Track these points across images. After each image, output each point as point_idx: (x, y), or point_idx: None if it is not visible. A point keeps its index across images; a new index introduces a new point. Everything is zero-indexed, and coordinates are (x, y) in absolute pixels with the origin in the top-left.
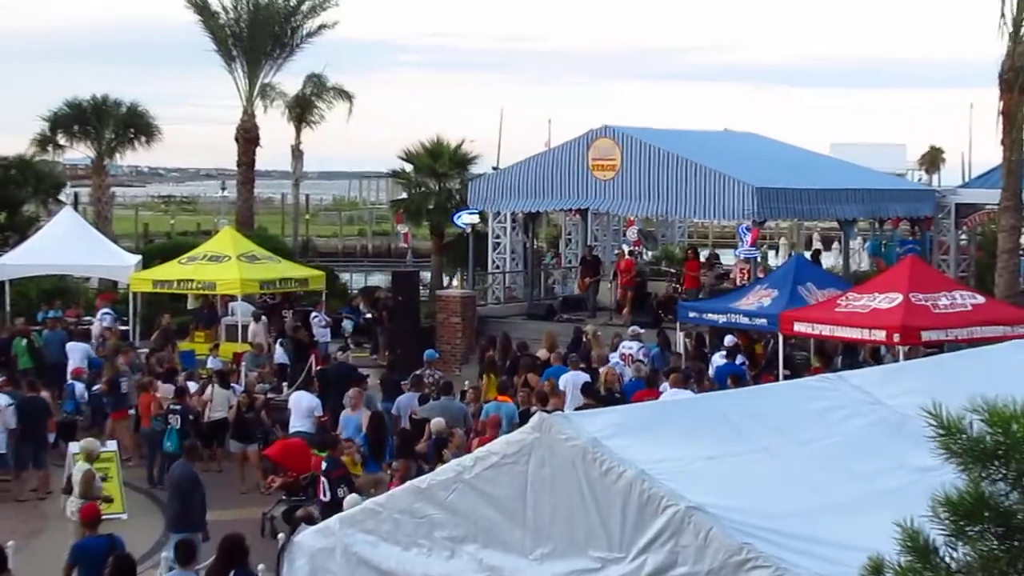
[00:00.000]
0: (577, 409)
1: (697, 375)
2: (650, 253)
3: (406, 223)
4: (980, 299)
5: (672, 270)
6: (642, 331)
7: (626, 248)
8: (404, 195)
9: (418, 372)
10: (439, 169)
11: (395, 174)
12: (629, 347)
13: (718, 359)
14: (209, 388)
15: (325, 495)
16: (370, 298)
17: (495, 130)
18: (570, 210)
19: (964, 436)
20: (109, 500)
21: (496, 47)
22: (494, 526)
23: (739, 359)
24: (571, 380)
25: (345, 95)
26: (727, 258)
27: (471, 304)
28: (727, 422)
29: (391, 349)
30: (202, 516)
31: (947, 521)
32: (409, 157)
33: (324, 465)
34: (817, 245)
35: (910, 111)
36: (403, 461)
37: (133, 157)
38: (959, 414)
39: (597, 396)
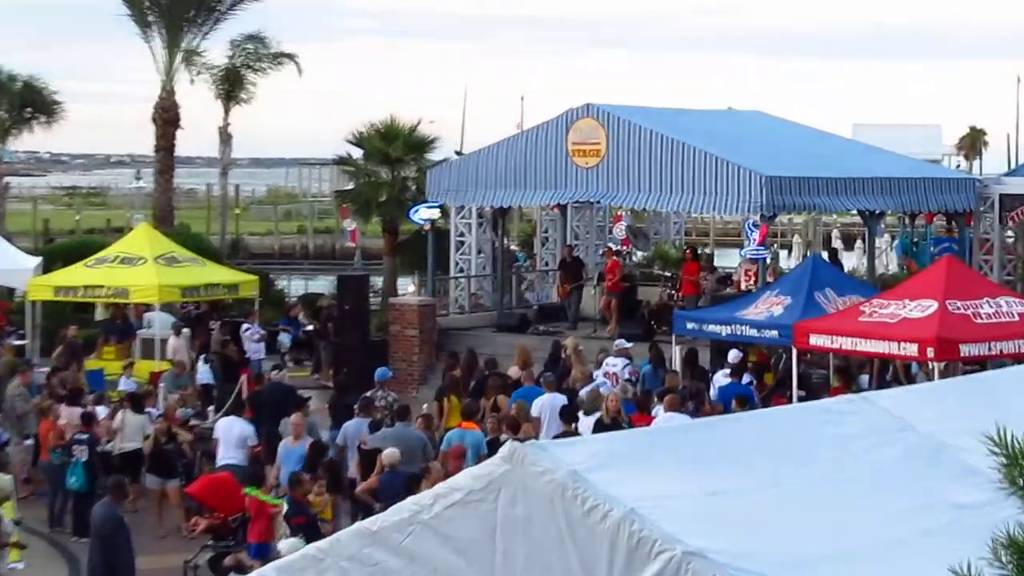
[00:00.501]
0: (555, 437)
1: (696, 397)
2: (641, 253)
3: (353, 218)
4: None
5: (667, 273)
6: (630, 345)
7: (613, 247)
8: (351, 185)
9: (368, 394)
10: (393, 154)
11: (341, 161)
12: (613, 364)
13: (721, 378)
14: (121, 414)
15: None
16: (312, 307)
17: (459, 109)
18: (547, 204)
19: None
20: (22, 547)
21: (461, 11)
22: (458, 574)
23: (746, 378)
24: (547, 404)
25: (287, 58)
26: (730, 259)
27: (430, 314)
28: (732, 452)
29: (336, 367)
30: (130, 570)
31: (1011, 564)
32: (357, 140)
33: (284, 509)
34: (837, 244)
35: (947, 86)
36: (329, 497)
37: (31, 141)
38: None
39: (574, 421)
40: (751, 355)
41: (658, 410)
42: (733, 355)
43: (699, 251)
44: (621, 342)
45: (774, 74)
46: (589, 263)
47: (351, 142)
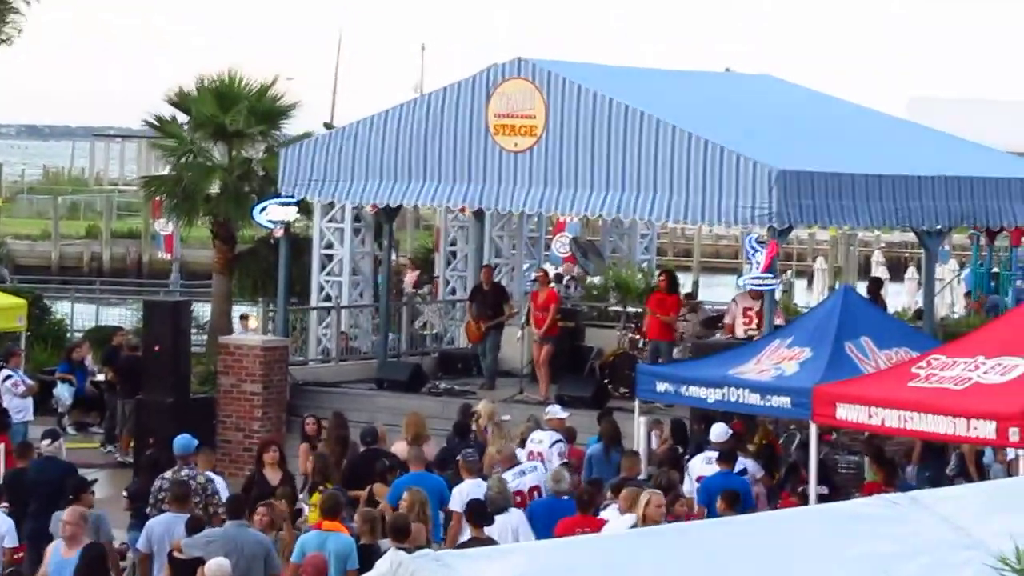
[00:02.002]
0: (461, 546)
1: (668, 491)
2: (591, 278)
3: (170, 218)
4: None
5: (628, 310)
6: (565, 415)
7: (551, 270)
8: (168, 169)
9: (168, 475)
10: (229, 125)
11: (154, 128)
12: (539, 441)
13: (700, 465)
14: None
15: None
16: (105, 347)
17: (329, 63)
18: (456, 205)
19: None
20: None
21: None
22: None
23: (740, 465)
24: (459, 496)
25: None
26: (723, 291)
27: (280, 361)
28: (715, 575)
29: (139, 437)
30: None
31: None
32: (179, 102)
33: None
34: (880, 272)
35: None
36: None
37: None
38: None
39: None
40: (753, 433)
41: (611, 510)
42: (718, 432)
43: (676, 278)
44: (554, 409)
45: (794, 23)
46: (515, 292)
47: (172, 103)
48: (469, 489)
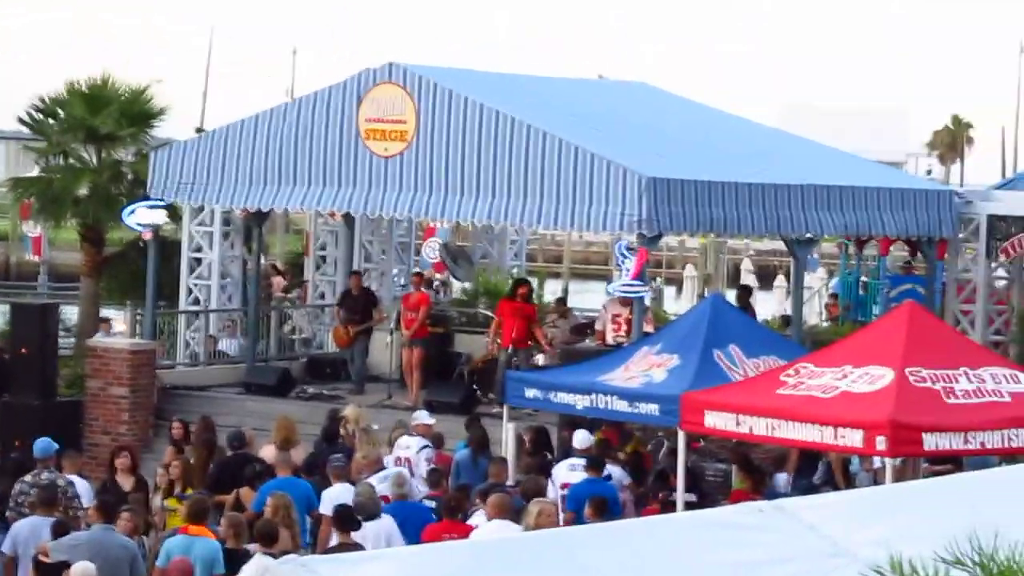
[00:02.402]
0: (328, 551)
1: (534, 497)
2: (460, 284)
3: (37, 220)
4: None
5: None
6: (432, 421)
7: (423, 274)
8: (36, 170)
9: (28, 478)
10: (100, 128)
11: (25, 126)
12: (406, 447)
13: (565, 472)
14: None
15: None
16: None
17: (200, 64)
18: (326, 209)
19: None
20: None
21: None
22: None
23: (609, 471)
24: (328, 502)
25: None
26: (592, 297)
27: (148, 364)
28: None
29: (4, 438)
30: None
31: None
32: (48, 106)
33: None
34: (749, 280)
35: (918, 59)
36: None
37: None
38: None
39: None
40: (626, 443)
41: (478, 516)
42: (581, 438)
43: (528, 284)
44: (422, 415)
45: (669, 29)
46: (385, 298)
47: (39, 109)
48: (338, 494)
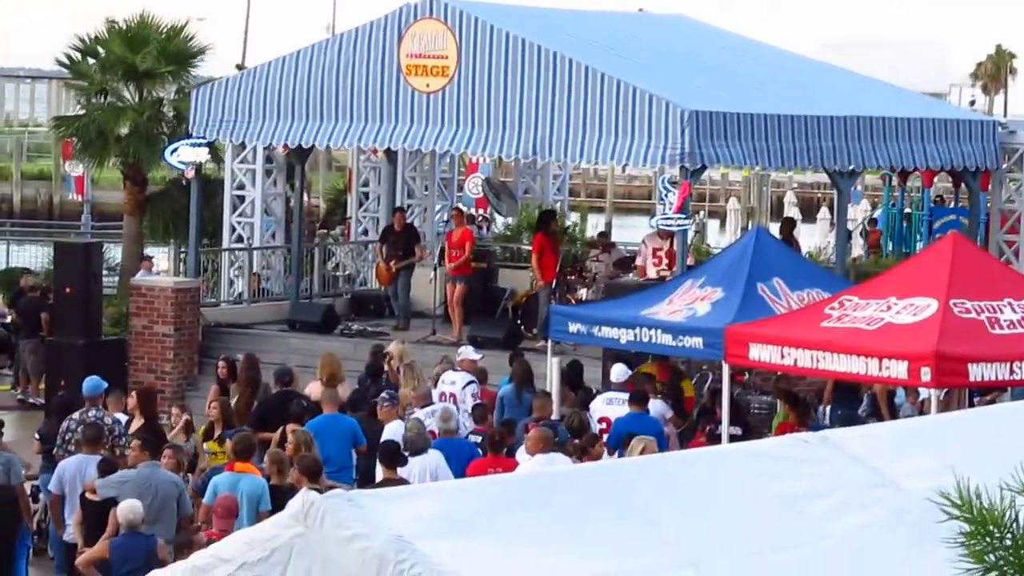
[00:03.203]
0: (374, 486)
1: (578, 433)
2: (503, 219)
3: (80, 159)
4: None
5: None
6: (478, 356)
7: (464, 210)
8: (78, 110)
9: (76, 416)
10: (140, 65)
11: (66, 68)
12: (452, 382)
13: (602, 406)
14: None
15: None
16: (12, 289)
17: (241, 4)
18: (368, 145)
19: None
20: None
21: None
22: None
23: (654, 407)
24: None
25: None
26: (635, 231)
27: (192, 302)
28: (631, 516)
29: (50, 379)
30: None
31: None
32: (88, 45)
33: None
34: (792, 213)
35: None
36: None
37: None
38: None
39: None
40: (654, 372)
41: (523, 451)
42: (618, 371)
43: (554, 214)
44: (467, 350)
45: None
46: (428, 234)
47: (80, 48)
48: (393, 431)
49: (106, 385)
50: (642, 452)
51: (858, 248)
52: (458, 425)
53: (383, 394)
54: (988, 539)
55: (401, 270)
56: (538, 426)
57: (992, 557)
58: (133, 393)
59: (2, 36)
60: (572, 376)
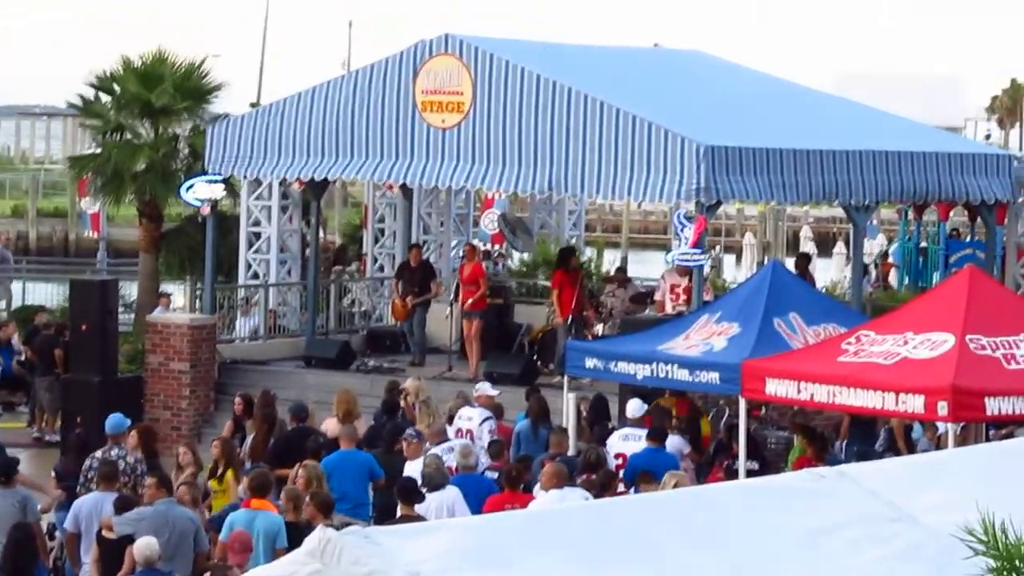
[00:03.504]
0: (391, 522)
1: (595, 468)
2: (519, 254)
3: (96, 197)
4: None
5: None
6: (496, 392)
7: (478, 245)
8: (94, 147)
9: (98, 454)
10: (156, 103)
11: (80, 109)
12: (469, 418)
13: (618, 442)
14: None
15: None
16: (28, 326)
17: (256, 41)
18: (384, 180)
19: None
20: None
21: None
22: None
23: (671, 442)
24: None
25: None
26: (652, 267)
27: (208, 339)
28: (646, 551)
29: (66, 416)
30: None
31: None
32: (104, 82)
33: None
34: (808, 247)
35: (975, 23)
36: None
37: None
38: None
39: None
40: (671, 407)
41: (540, 487)
42: (634, 407)
43: (574, 250)
44: (484, 386)
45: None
46: (444, 269)
47: (95, 85)
48: (414, 468)
49: (128, 423)
50: (675, 487)
51: (871, 283)
52: (477, 461)
53: (409, 430)
54: (1016, 574)
55: (417, 306)
56: (553, 462)
57: None
58: (133, 431)
59: (2, 36)
60: (598, 410)
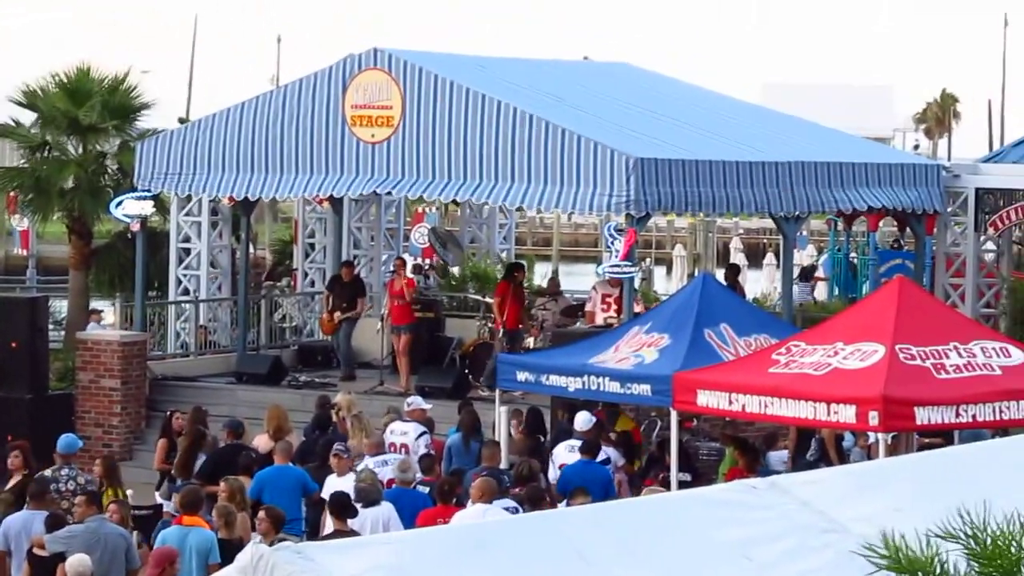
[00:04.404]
0: (323, 537)
1: (528, 481)
2: (450, 268)
3: (24, 213)
4: (1017, 355)
5: (488, 299)
6: (428, 406)
7: (409, 260)
8: (22, 162)
9: (46, 473)
10: (83, 119)
11: (4, 128)
12: (403, 432)
13: (565, 453)
14: None
15: None
16: None
17: (184, 55)
18: (314, 195)
19: None
20: None
21: None
22: None
23: (604, 454)
24: (331, 489)
25: None
26: (582, 279)
27: (139, 356)
28: (578, 563)
29: None
30: None
31: None
32: (31, 98)
33: None
34: (738, 258)
35: (904, 32)
36: None
37: None
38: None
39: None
40: (614, 421)
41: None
42: (582, 420)
43: (522, 266)
44: (417, 400)
45: (650, 12)
46: (375, 284)
47: (20, 102)
48: (340, 482)
49: (81, 443)
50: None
51: (801, 294)
52: (415, 476)
53: (337, 445)
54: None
55: (343, 321)
56: (483, 476)
57: None
58: (98, 462)
59: (2, 36)
60: (534, 423)
